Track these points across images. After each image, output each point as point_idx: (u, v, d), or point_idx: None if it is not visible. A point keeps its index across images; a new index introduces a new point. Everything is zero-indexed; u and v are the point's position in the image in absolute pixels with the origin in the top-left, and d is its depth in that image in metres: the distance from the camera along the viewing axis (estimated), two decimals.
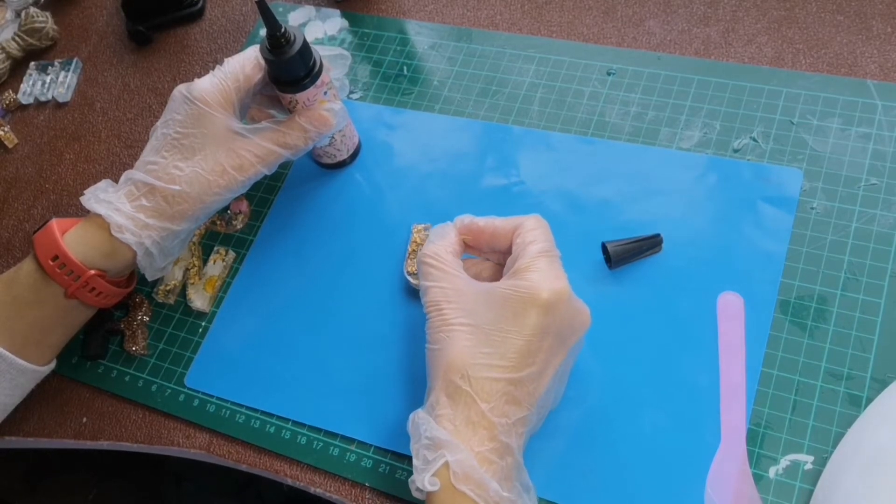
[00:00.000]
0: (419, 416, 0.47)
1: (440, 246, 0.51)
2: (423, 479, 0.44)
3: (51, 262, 0.55)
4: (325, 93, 0.60)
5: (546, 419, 0.51)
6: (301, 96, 0.59)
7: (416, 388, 0.57)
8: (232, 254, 0.66)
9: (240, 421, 0.59)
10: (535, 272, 0.47)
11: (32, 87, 0.83)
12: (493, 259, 0.54)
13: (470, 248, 0.53)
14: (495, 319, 0.46)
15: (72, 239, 0.56)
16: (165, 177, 0.57)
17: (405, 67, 0.73)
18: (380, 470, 0.55)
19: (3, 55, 0.84)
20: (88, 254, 0.56)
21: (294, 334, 0.62)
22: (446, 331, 0.47)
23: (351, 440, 0.57)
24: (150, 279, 0.61)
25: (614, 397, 0.54)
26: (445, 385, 0.46)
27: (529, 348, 0.46)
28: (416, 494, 0.46)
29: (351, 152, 0.68)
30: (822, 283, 0.55)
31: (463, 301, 0.48)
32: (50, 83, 0.83)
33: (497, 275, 0.52)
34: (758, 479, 0.50)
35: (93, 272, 0.56)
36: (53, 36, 0.86)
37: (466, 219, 0.53)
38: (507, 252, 0.51)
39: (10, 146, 0.80)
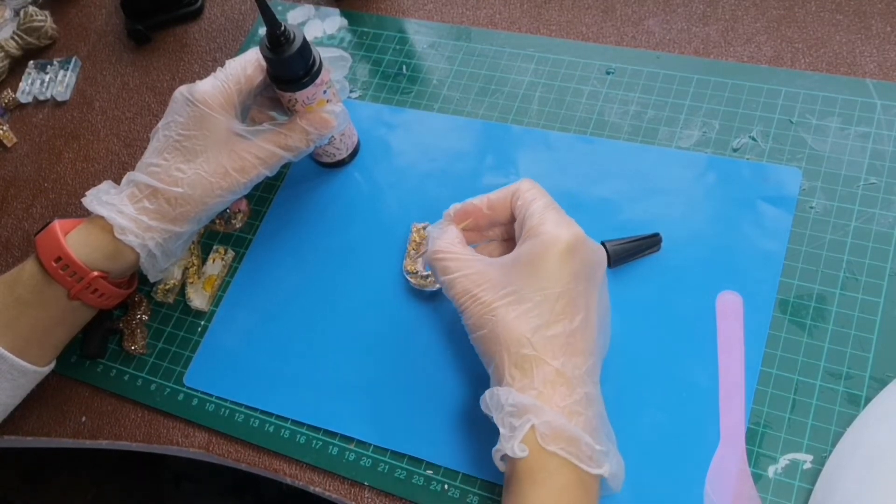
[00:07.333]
0: (499, 390, 0.46)
1: (445, 240, 0.51)
2: (511, 447, 0.44)
3: (54, 264, 0.55)
4: (325, 91, 0.60)
5: None
6: (301, 95, 0.59)
7: (415, 387, 0.57)
8: (231, 253, 0.66)
9: (239, 420, 0.59)
10: (548, 224, 0.48)
11: (31, 85, 0.83)
12: (497, 234, 0.54)
13: (470, 233, 0.53)
14: (530, 282, 0.47)
15: (74, 240, 0.56)
16: (168, 179, 0.57)
17: (404, 66, 0.73)
18: (379, 469, 0.55)
19: (2, 54, 0.84)
20: (91, 255, 0.56)
21: (293, 333, 0.62)
22: (489, 312, 0.47)
23: (350, 439, 0.57)
24: (152, 280, 0.61)
25: (613, 396, 0.53)
26: (512, 359, 0.46)
27: (571, 296, 0.47)
28: (499, 466, 0.47)
29: (350, 151, 0.68)
30: (822, 282, 0.55)
31: (492, 280, 0.48)
32: (49, 82, 0.82)
33: (508, 250, 0.52)
34: (757, 478, 0.50)
35: (95, 274, 0.56)
36: (52, 35, 0.86)
37: (458, 206, 0.52)
38: (510, 222, 0.51)
39: (9, 145, 0.80)
